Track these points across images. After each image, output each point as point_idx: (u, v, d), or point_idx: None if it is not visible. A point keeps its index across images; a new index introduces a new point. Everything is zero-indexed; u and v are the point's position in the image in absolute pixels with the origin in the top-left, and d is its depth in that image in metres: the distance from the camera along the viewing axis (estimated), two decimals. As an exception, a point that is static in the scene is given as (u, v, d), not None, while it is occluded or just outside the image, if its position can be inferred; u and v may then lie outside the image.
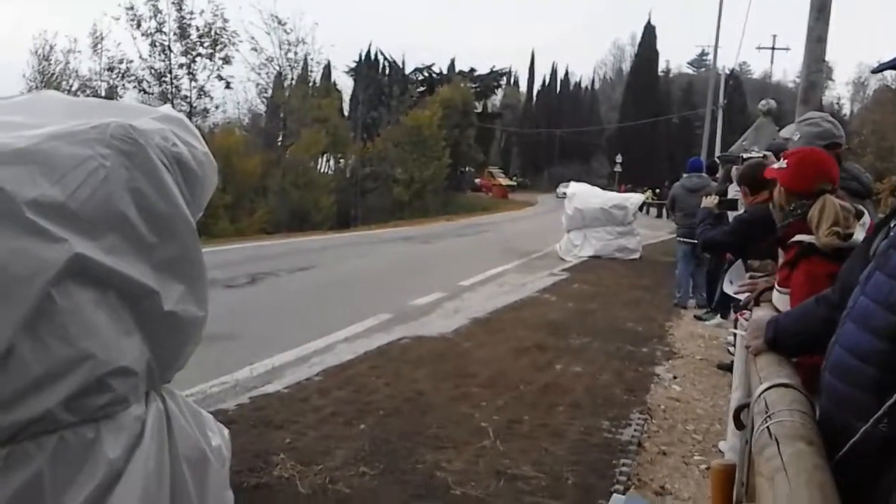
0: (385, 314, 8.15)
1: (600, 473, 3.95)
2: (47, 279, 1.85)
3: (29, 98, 2.49)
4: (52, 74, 30.21)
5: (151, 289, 2.13)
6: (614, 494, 3.54)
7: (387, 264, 13.90)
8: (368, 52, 61.51)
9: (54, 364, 1.89)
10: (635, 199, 16.47)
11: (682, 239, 9.72)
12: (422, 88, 55.46)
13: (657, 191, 46.47)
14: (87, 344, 1.96)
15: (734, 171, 6.50)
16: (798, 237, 2.51)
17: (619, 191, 30.23)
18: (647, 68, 69.81)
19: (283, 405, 4.86)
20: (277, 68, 34.50)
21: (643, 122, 59.13)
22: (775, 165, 2.75)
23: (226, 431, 2.71)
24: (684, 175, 10.29)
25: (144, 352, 2.17)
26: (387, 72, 59.35)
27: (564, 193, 19.21)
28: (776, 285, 2.63)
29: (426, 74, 61.35)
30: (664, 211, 39.42)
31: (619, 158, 55.60)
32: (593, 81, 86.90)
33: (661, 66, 74.19)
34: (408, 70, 60.72)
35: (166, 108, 2.49)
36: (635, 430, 4.70)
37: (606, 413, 5.00)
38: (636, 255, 15.08)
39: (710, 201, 5.53)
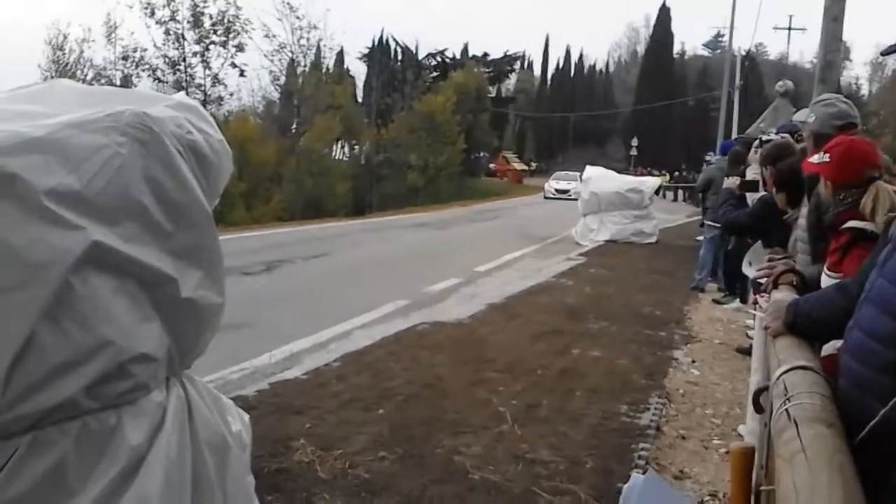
0: (401, 300, 8.17)
1: (619, 458, 3.96)
2: (66, 267, 1.86)
3: (44, 87, 2.49)
4: (67, 64, 30.37)
5: (169, 276, 2.14)
6: (633, 473, 3.55)
7: (402, 250, 13.92)
8: (381, 37, 61.43)
9: (75, 351, 1.91)
10: (651, 182, 16.39)
11: (711, 222, 9.57)
12: (435, 74, 55.28)
13: (675, 174, 46.22)
14: (106, 331, 1.97)
15: (752, 152, 6.43)
16: (851, 223, 2.50)
17: (635, 174, 30.00)
18: (662, 50, 69.15)
19: (302, 391, 4.89)
20: (290, 55, 34.51)
21: (658, 104, 58.59)
22: (814, 159, 2.71)
23: (246, 417, 2.72)
24: (711, 155, 10.20)
25: (164, 338, 2.18)
26: (399, 57, 59.20)
27: (555, 191, 18.75)
28: (825, 269, 2.61)
29: (439, 59, 61.10)
30: (679, 194, 39.23)
31: (634, 142, 55.19)
32: (608, 64, 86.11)
33: (676, 48, 73.54)
34: (421, 55, 60.51)
35: (180, 96, 2.49)
36: (654, 415, 4.69)
37: (625, 397, 5.00)
38: (653, 240, 15.00)
39: (731, 182, 5.51)
